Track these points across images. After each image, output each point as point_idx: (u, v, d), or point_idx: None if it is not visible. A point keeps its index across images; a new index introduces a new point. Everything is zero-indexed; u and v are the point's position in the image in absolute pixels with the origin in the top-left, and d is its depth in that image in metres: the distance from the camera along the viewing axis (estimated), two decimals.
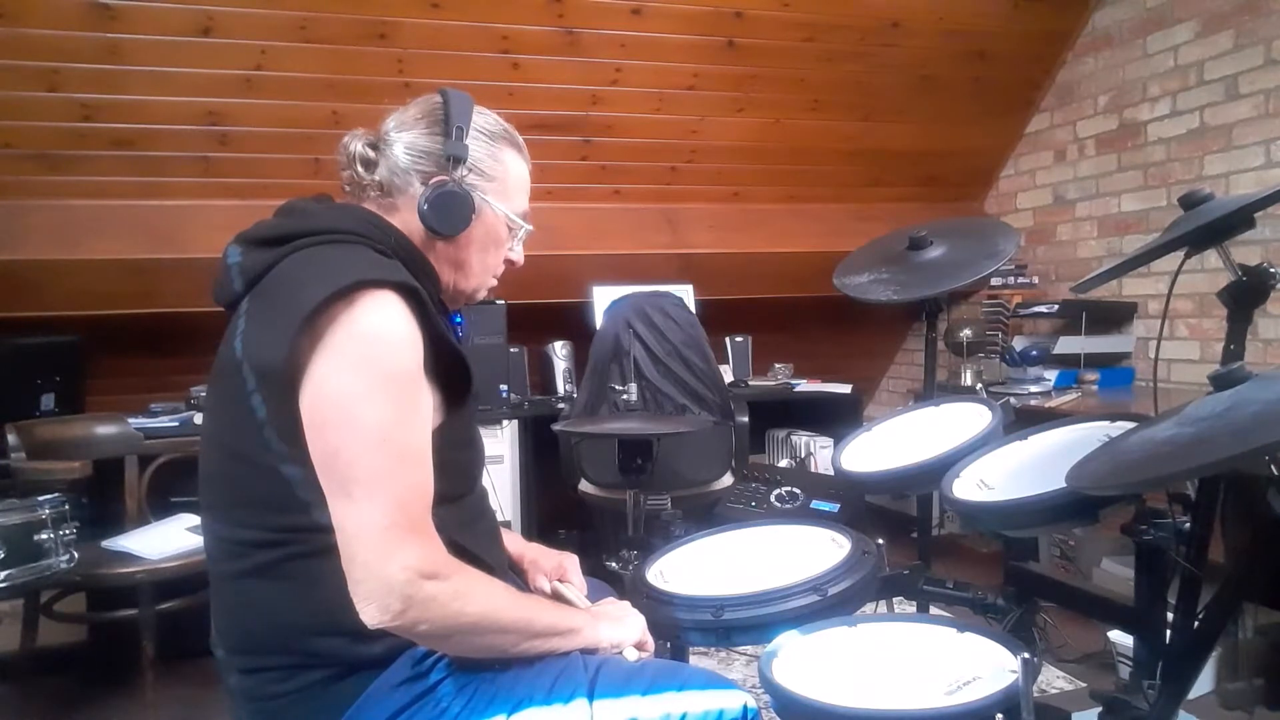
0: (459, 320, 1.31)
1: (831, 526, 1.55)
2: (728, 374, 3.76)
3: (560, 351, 3.80)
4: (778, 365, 4.13)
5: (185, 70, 2.84)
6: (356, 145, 1.17)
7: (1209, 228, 1.24)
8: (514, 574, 1.38)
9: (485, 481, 1.26)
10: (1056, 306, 3.47)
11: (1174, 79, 3.24)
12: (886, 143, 3.83)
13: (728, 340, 3.98)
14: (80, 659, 2.87)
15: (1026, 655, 1.07)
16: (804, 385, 3.97)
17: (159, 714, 2.35)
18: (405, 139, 1.16)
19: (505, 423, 3.33)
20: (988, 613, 1.70)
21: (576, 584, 1.39)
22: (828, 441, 3.85)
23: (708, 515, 2.89)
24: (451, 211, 1.14)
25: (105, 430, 2.67)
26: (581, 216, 3.64)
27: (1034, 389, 3.32)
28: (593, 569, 1.50)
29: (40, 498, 2.06)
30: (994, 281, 3.73)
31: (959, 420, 1.77)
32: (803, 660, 1.20)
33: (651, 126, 3.48)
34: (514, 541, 1.43)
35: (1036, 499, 1.31)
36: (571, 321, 3.75)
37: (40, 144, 2.87)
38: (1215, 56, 3.09)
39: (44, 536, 2.04)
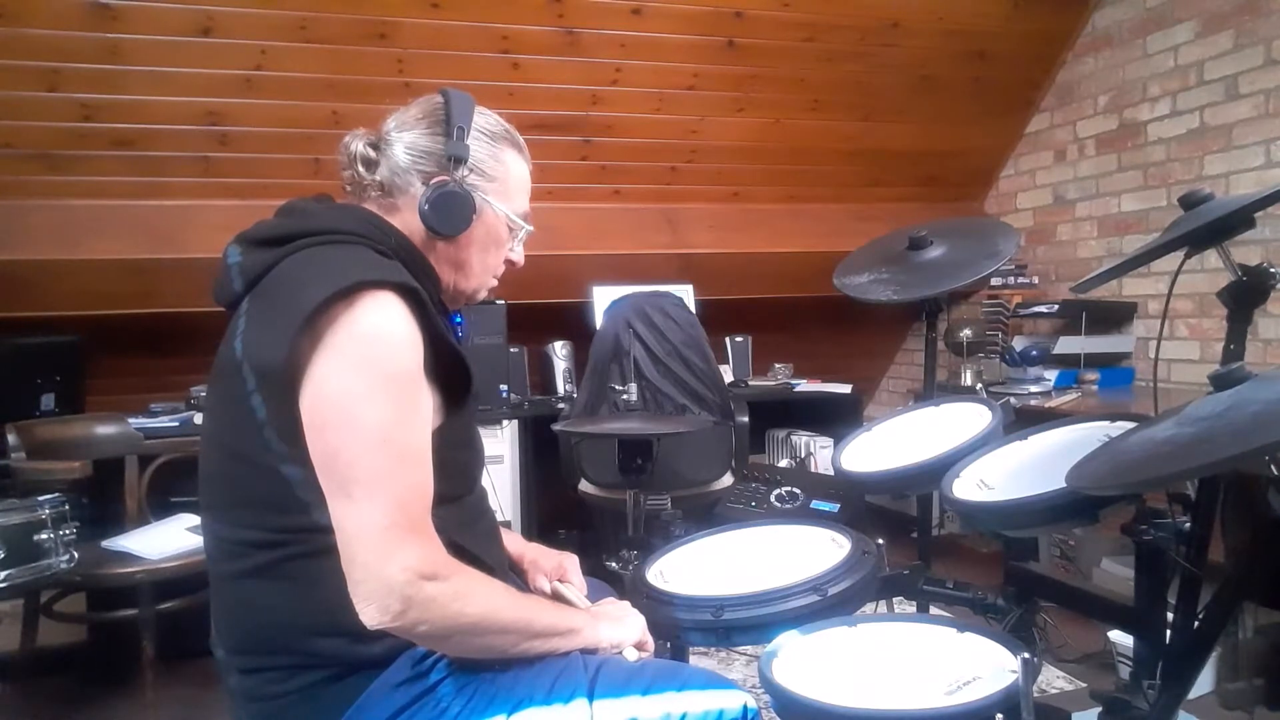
0: (458, 320, 1.31)
1: (831, 526, 1.55)
2: (728, 374, 3.76)
3: (560, 351, 3.80)
4: (778, 365, 4.13)
5: (185, 70, 2.84)
6: (357, 145, 1.17)
7: (1209, 228, 1.24)
8: (514, 574, 1.38)
9: (485, 481, 1.26)
10: (1056, 306, 3.47)
11: (1174, 79, 3.24)
12: (886, 143, 3.83)
13: (728, 340, 3.98)
14: (80, 659, 2.87)
15: (1026, 655, 1.07)
16: (804, 385, 3.97)
17: (159, 714, 2.35)
18: (406, 139, 1.16)
19: (505, 423, 3.33)
20: (988, 613, 1.70)
21: (576, 584, 1.39)
22: (828, 441, 3.85)
23: (708, 515, 2.89)
24: (452, 212, 1.14)
25: (105, 430, 2.67)
26: (581, 216, 3.64)
27: (1034, 389, 3.32)
28: (593, 569, 1.50)
29: (40, 498, 2.06)
30: (994, 281, 3.73)
31: (959, 420, 1.77)
32: (803, 660, 1.20)
33: (651, 126, 3.48)
34: (514, 541, 1.43)
35: (1036, 499, 1.31)
36: (571, 321, 3.75)
37: (40, 144, 2.87)
38: (1215, 56, 3.09)
39: (44, 536, 2.04)
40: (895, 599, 1.92)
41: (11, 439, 2.46)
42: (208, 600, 1.12)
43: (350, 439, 0.98)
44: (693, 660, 1.46)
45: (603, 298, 3.48)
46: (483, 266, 1.23)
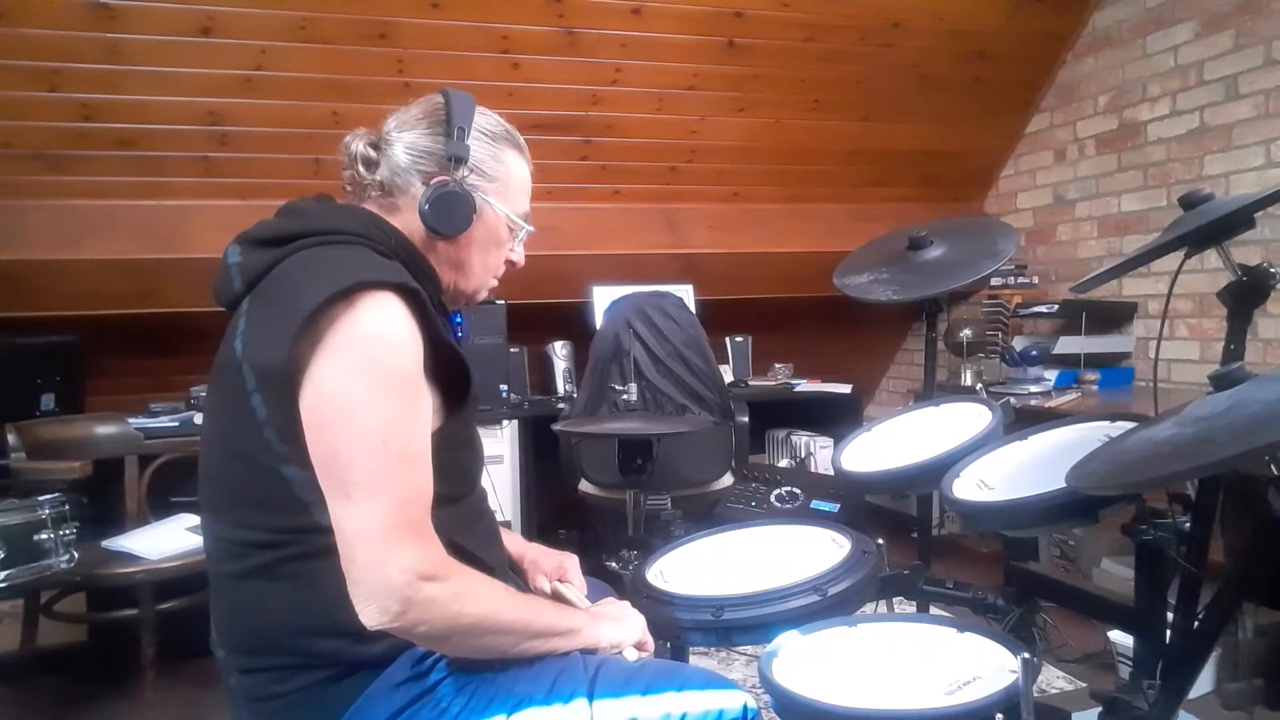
0: (458, 320, 1.31)
1: (831, 526, 1.55)
2: (728, 374, 3.77)
3: (560, 351, 3.80)
4: (778, 365, 4.13)
5: (185, 70, 2.84)
6: (358, 145, 1.17)
7: (1209, 228, 1.24)
8: (514, 574, 1.37)
9: (485, 481, 1.26)
10: (1056, 306, 3.47)
11: (1174, 79, 3.24)
12: (886, 143, 3.83)
13: (728, 340, 3.98)
14: (80, 659, 2.87)
15: (1026, 655, 1.07)
16: (804, 385, 3.97)
17: (159, 714, 2.35)
18: (406, 139, 1.16)
19: (505, 423, 3.33)
20: (988, 613, 1.70)
21: (576, 584, 1.39)
22: (828, 441, 3.85)
23: (708, 515, 2.89)
24: (452, 212, 1.14)
25: (105, 430, 2.67)
26: (581, 216, 3.64)
27: (1034, 389, 3.32)
28: (593, 569, 1.50)
29: (40, 498, 2.06)
30: (994, 281, 3.73)
31: (959, 420, 1.77)
32: (803, 660, 1.20)
33: (651, 126, 3.48)
34: (514, 541, 1.43)
35: (1036, 499, 1.31)
36: (571, 321, 3.75)
37: (40, 144, 2.87)
38: (1215, 56, 3.09)
39: (44, 536, 2.04)
40: (895, 599, 1.92)
41: (11, 439, 2.46)
42: (208, 600, 1.12)
43: (350, 439, 0.98)
44: (693, 660, 1.46)
45: (603, 298, 3.48)
46: (483, 267, 1.23)
